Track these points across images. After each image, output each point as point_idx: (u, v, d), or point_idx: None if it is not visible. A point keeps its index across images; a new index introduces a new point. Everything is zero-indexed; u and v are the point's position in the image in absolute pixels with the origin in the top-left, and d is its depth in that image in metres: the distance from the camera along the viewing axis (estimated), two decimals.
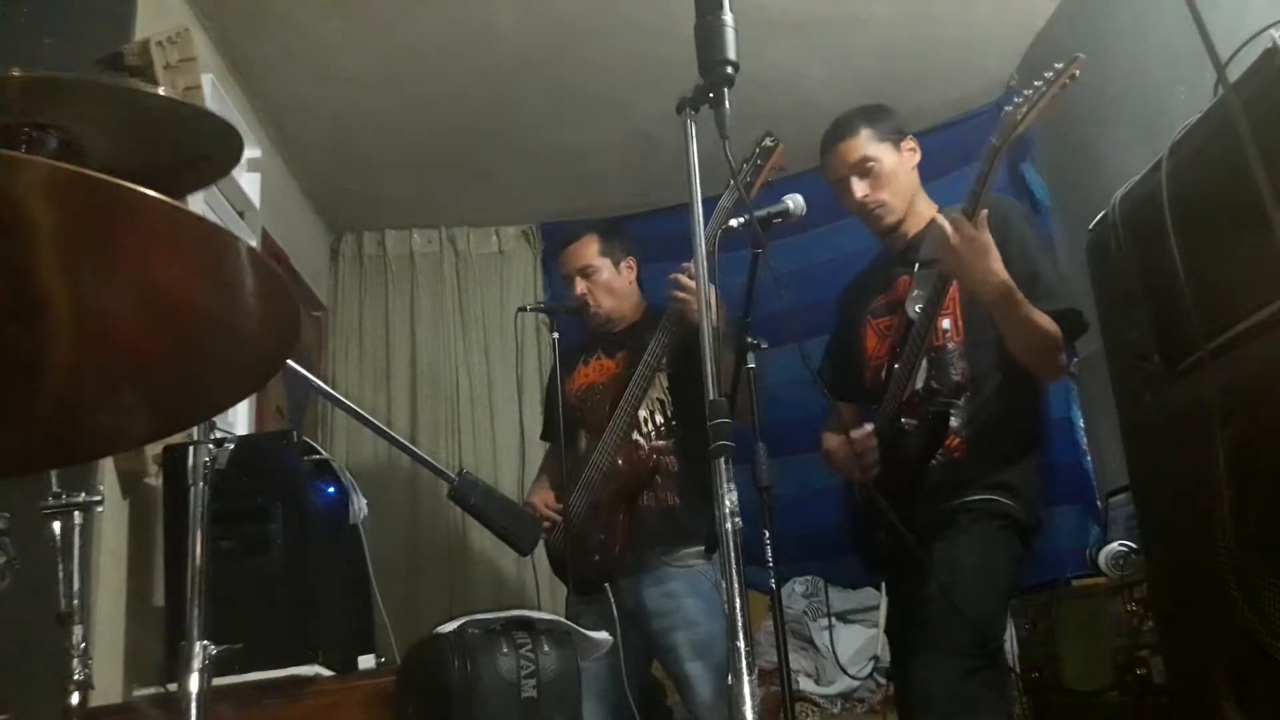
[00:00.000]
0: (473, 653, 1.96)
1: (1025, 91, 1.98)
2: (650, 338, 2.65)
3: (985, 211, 2.03)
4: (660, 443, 2.71)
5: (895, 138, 2.36)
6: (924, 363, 2.22)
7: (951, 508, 2.15)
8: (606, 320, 2.83)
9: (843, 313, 2.56)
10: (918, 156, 2.39)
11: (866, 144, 2.33)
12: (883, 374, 2.30)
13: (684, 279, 2.48)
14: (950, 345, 2.24)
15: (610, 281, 2.82)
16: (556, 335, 2.87)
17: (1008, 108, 2.01)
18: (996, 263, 2.02)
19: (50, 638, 1.57)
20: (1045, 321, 2.09)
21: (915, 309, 2.20)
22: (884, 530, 2.21)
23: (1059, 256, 3.32)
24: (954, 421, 2.19)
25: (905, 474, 2.17)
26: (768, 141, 2.49)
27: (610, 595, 2.57)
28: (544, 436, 3.09)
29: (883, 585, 2.41)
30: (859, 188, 2.33)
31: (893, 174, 2.33)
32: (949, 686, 2.01)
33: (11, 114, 0.89)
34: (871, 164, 2.32)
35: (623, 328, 2.86)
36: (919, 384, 2.21)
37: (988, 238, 2.02)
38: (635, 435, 2.69)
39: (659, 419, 2.73)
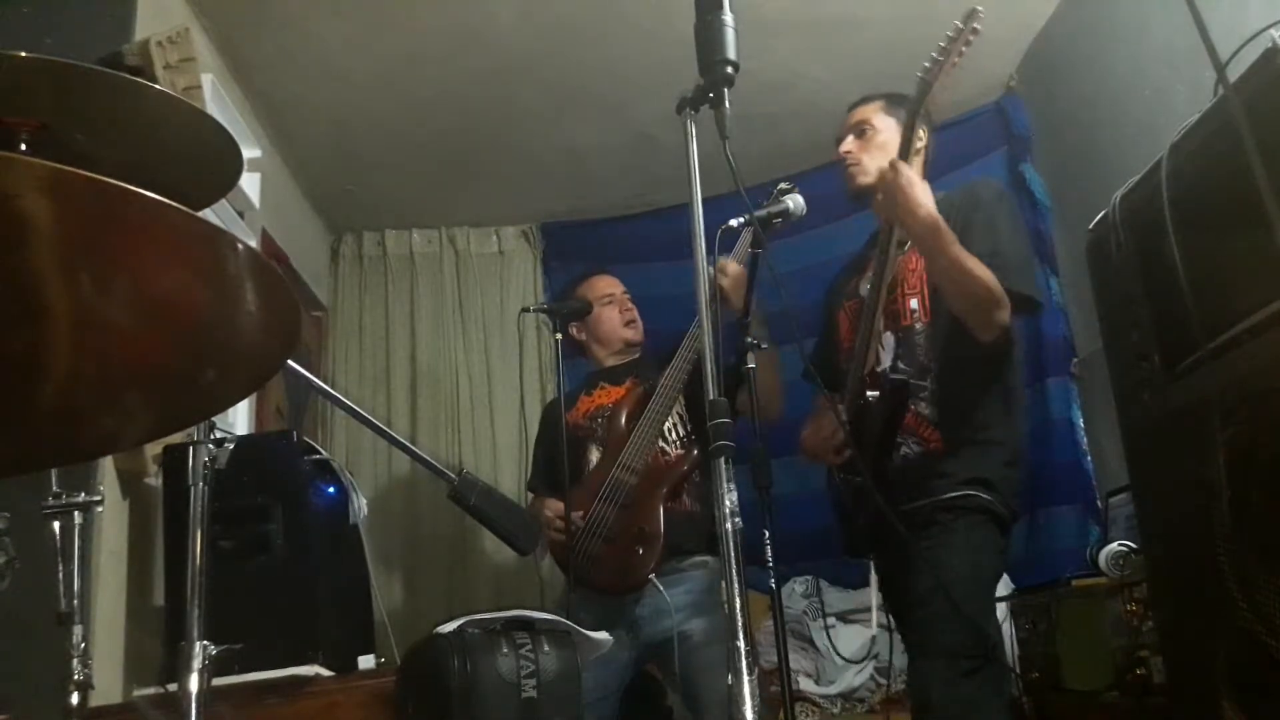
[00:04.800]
0: (472, 653, 1.96)
1: (933, 54, 2.03)
2: (654, 370, 2.71)
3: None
4: (684, 452, 2.75)
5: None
6: (893, 341, 2.22)
7: (931, 505, 2.15)
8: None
9: (827, 300, 2.58)
10: (921, 146, 2.35)
11: (874, 112, 2.39)
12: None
13: (726, 266, 2.45)
14: (918, 325, 2.24)
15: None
16: (559, 336, 2.87)
17: (918, 74, 2.06)
18: (922, 194, 2.05)
19: (50, 638, 1.57)
20: (980, 269, 2.07)
21: (865, 287, 2.23)
22: (864, 514, 2.21)
23: (1058, 254, 3.35)
24: (925, 409, 2.19)
25: (874, 449, 2.16)
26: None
27: (658, 585, 2.58)
28: (531, 486, 3.03)
29: (872, 576, 2.40)
30: (847, 143, 2.38)
31: (884, 145, 2.34)
32: (947, 690, 2.00)
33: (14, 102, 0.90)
34: (868, 129, 2.37)
35: (626, 362, 2.91)
36: (885, 363, 2.22)
37: (913, 174, 2.07)
38: (661, 443, 2.73)
39: (680, 431, 2.77)
